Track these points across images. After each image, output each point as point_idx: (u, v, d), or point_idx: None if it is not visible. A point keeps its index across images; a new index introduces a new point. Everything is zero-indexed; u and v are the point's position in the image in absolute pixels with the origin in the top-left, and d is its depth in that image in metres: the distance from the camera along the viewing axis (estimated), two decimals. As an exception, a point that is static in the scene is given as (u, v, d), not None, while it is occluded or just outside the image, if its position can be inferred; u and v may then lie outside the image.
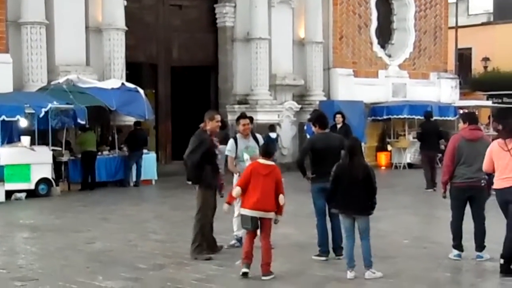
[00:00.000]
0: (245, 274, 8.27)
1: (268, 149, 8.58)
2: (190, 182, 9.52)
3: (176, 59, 24.82)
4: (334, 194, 8.45)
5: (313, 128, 9.77)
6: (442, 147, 17.67)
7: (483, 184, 9.09)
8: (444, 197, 9.46)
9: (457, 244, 9.30)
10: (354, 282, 8.13)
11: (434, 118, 25.97)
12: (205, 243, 9.44)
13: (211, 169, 9.26)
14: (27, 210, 15.56)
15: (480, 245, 9.24)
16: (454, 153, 9.17)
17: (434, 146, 18.73)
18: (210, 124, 9.39)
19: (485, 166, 8.72)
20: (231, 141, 9.96)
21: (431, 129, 19.11)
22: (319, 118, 9.77)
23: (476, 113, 31.01)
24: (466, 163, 9.10)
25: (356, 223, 8.38)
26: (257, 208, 8.20)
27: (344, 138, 9.98)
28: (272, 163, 8.43)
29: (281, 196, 8.28)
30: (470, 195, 9.21)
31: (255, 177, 8.24)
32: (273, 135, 21.77)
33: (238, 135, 10.06)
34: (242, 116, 10.29)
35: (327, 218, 9.44)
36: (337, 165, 8.53)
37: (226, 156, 10.01)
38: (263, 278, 8.24)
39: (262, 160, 8.40)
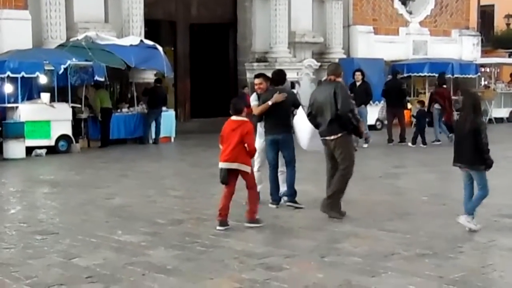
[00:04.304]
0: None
1: (237, 106, 8.76)
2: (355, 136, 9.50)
3: (195, 16, 24.68)
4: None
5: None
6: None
7: None
8: None
9: None
10: (372, 238, 8.12)
11: (455, 75, 25.85)
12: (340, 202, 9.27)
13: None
14: (47, 166, 15.71)
15: None
16: None
17: (398, 103, 19.45)
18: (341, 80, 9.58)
19: None
20: (254, 95, 10.27)
21: (394, 87, 19.66)
22: (274, 74, 10.27)
23: (498, 71, 30.75)
24: None
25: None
26: (224, 160, 8.50)
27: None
28: (243, 118, 8.64)
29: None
30: None
31: (227, 133, 8.57)
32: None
33: None
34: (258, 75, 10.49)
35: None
36: (455, 120, 8.87)
37: None
38: (246, 225, 8.55)
39: (233, 117, 8.66)
